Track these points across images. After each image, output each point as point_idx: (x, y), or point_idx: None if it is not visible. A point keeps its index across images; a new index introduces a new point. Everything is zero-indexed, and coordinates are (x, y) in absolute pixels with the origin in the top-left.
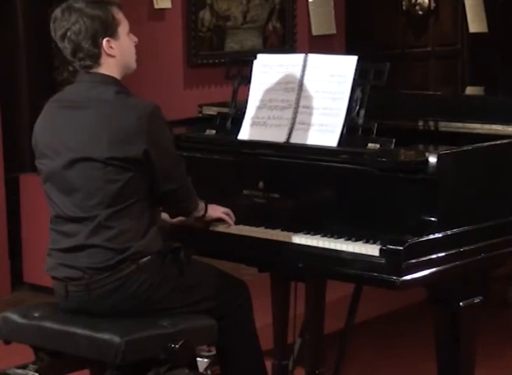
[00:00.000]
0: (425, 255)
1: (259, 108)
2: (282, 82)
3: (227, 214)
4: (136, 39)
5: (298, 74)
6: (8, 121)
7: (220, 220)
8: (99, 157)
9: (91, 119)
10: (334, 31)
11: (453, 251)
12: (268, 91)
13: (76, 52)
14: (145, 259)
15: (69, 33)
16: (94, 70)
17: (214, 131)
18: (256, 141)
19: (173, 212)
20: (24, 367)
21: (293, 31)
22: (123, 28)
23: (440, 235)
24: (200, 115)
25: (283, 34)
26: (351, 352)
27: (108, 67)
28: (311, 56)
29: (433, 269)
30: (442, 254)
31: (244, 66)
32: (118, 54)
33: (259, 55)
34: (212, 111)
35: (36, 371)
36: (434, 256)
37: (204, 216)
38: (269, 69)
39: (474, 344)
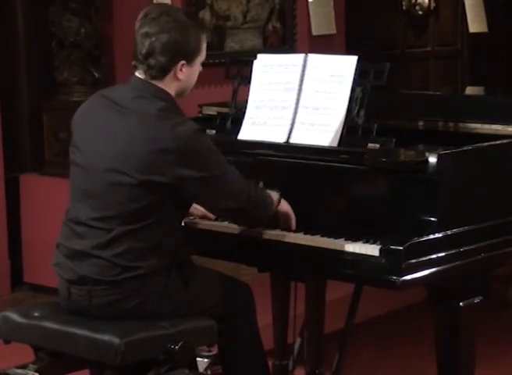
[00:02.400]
0: (425, 255)
1: (259, 108)
2: (282, 82)
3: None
4: (201, 69)
5: (298, 74)
6: (8, 121)
7: (281, 219)
8: (128, 174)
9: (128, 131)
10: (334, 31)
11: (453, 251)
12: (268, 91)
13: (149, 58)
14: (150, 278)
15: (154, 38)
16: (154, 81)
17: (214, 131)
18: (256, 141)
19: (250, 224)
20: (24, 367)
21: (293, 31)
22: (200, 58)
23: (440, 235)
24: (200, 115)
25: (283, 34)
26: (351, 352)
27: (168, 86)
28: (311, 56)
29: (433, 269)
30: (442, 254)
31: (244, 66)
32: (184, 79)
33: (259, 55)
34: (212, 111)
35: (36, 371)
36: (434, 256)
37: (277, 206)
38: (269, 69)
39: (474, 344)
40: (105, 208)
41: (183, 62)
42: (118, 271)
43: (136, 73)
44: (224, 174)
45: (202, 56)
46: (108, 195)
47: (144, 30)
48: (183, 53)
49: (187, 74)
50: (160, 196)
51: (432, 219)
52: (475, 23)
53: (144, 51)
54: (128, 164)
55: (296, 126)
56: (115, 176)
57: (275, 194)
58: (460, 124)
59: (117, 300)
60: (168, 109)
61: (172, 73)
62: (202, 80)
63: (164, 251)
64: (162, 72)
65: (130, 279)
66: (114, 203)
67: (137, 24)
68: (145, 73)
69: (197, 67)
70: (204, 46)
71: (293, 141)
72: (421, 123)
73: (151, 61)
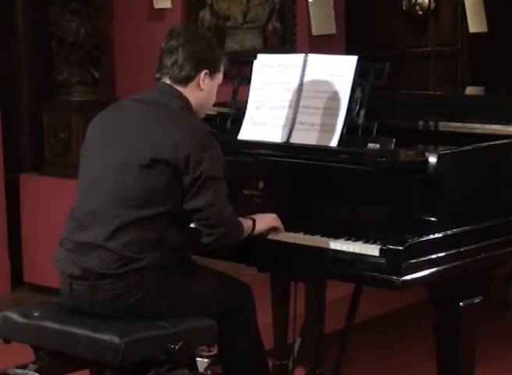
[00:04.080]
0: (425, 255)
1: (259, 108)
2: (282, 82)
3: (275, 220)
4: (214, 99)
5: (298, 74)
6: (8, 121)
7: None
8: (140, 154)
9: (148, 119)
10: (334, 31)
11: (453, 251)
12: (268, 91)
13: (174, 65)
14: (152, 273)
15: (180, 48)
16: (178, 86)
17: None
18: (256, 141)
19: (213, 243)
20: (24, 367)
21: (293, 31)
22: (219, 77)
23: (440, 235)
24: None
25: (283, 34)
26: (351, 352)
27: (190, 94)
28: (311, 56)
29: (433, 269)
30: (442, 254)
31: (244, 66)
32: (205, 90)
33: (259, 55)
34: (212, 111)
35: (36, 371)
36: (434, 256)
37: (252, 232)
38: (269, 69)
39: (474, 344)
40: (113, 191)
41: (206, 70)
42: (122, 263)
43: (161, 80)
44: (220, 181)
45: (220, 76)
46: (118, 177)
47: (171, 42)
48: (207, 62)
49: (208, 87)
50: (167, 181)
51: (432, 219)
52: (475, 23)
53: (170, 61)
54: (141, 145)
55: (296, 126)
56: (126, 158)
57: (248, 223)
58: (460, 124)
59: (119, 295)
60: (189, 110)
61: (195, 82)
62: None
63: (168, 246)
64: (186, 78)
65: (132, 272)
66: (122, 184)
67: (164, 41)
68: (170, 78)
69: (215, 86)
70: (222, 68)
71: (293, 141)
72: (421, 123)
73: (176, 68)
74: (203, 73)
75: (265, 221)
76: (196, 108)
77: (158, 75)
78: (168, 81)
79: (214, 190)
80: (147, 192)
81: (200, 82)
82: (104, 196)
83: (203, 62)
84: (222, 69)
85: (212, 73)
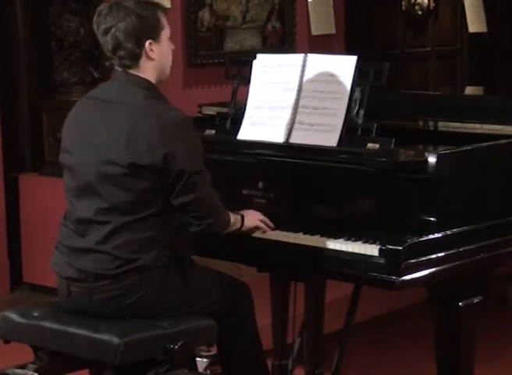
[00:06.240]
0: (425, 255)
1: (259, 108)
2: (282, 82)
3: (263, 221)
4: (173, 46)
5: (298, 74)
6: (8, 121)
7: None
8: (119, 163)
9: (116, 123)
10: (334, 31)
11: (453, 251)
12: (268, 91)
13: (117, 50)
14: (149, 272)
15: (113, 30)
16: (131, 71)
17: (213, 131)
18: (256, 141)
19: (202, 231)
20: (24, 367)
21: (293, 31)
22: (165, 33)
23: (440, 235)
24: (200, 115)
25: (283, 34)
26: (351, 352)
27: (146, 70)
28: (311, 56)
29: (433, 269)
30: (442, 254)
31: (244, 66)
32: (157, 57)
33: (259, 55)
34: (212, 111)
35: (35, 371)
36: (434, 256)
37: (240, 228)
38: (269, 69)
39: (474, 344)
40: (101, 202)
41: (149, 40)
42: (118, 264)
43: (116, 68)
44: (203, 173)
45: (167, 31)
46: (102, 188)
47: (102, 27)
48: (146, 32)
49: (159, 52)
50: (150, 184)
51: (432, 219)
52: (475, 23)
53: (110, 46)
54: (118, 153)
55: (295, 126)
56: (106, 169)
57: (237, 217)
58: (460, 124)
59: (117, 295)
60: (153, 97)
61: (144, 56)
62: (202, 80)
63: (162, 245)
64: (134, 58)
65: (130, 272)
66: (108, 195)
67: (94, 26)
68: (120, 65)
69: (165, 43)
70: (164, 21)
71: (292, 141)
72: (421, 123)
73: (120, 52)
74: (147, 45)
75: (253, 218)
76: (158, 76)
77: (107, 63)
78: (120, 69)
79: (199, 184)
80: (135, 198)
81: (149, 53)
82: (92, 207)
83: (142, 33)
84: (164, 25)
85: (155, 38)
